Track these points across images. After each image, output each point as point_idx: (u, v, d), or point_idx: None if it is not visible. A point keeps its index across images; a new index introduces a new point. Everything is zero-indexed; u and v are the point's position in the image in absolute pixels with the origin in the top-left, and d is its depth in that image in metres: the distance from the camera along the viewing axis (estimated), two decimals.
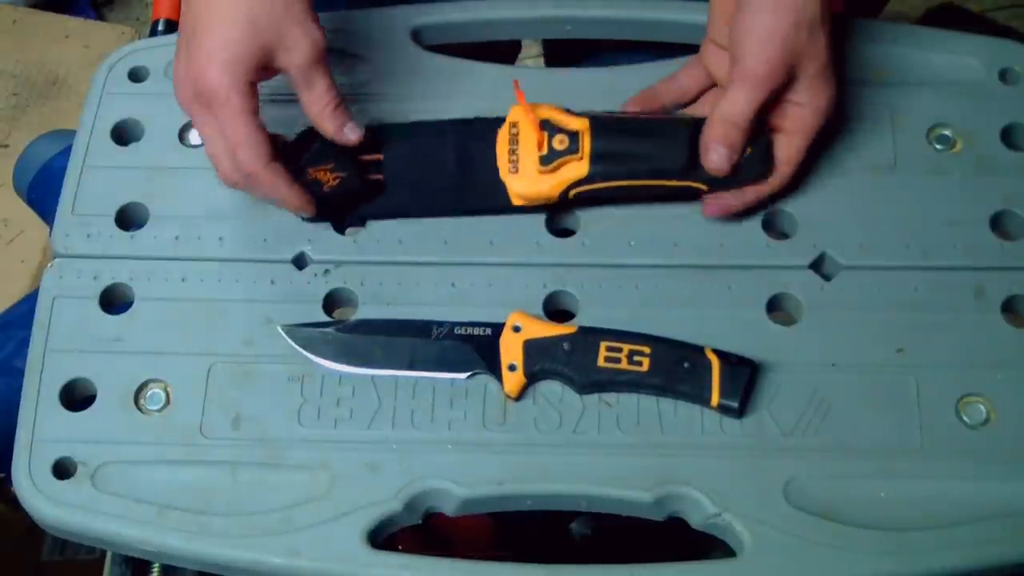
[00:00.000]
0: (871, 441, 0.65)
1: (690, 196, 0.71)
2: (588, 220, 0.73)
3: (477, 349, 0.68)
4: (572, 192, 0.71)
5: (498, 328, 0.68)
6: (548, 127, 0.70)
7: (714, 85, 0.74)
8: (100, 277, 0.72)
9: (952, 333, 0.68)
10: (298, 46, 0.67)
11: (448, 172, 0.72)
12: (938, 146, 0.75)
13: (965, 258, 0.71)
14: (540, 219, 0.73)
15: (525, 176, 0.70)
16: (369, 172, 0.72)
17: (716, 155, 0.68)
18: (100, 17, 1.82)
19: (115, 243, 0.73)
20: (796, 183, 0.72)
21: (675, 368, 0.66)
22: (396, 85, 0.78)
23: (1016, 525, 0.63)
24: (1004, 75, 0.77)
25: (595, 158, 0.69)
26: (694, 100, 0.75)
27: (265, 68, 0.67)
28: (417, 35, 0.80)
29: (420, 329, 0.69)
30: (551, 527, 0.90)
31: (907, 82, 0.77)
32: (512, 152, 0.70)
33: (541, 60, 1.40)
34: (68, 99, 1.62)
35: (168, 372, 0.69)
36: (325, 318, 0.71)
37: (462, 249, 0.72)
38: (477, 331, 0.68)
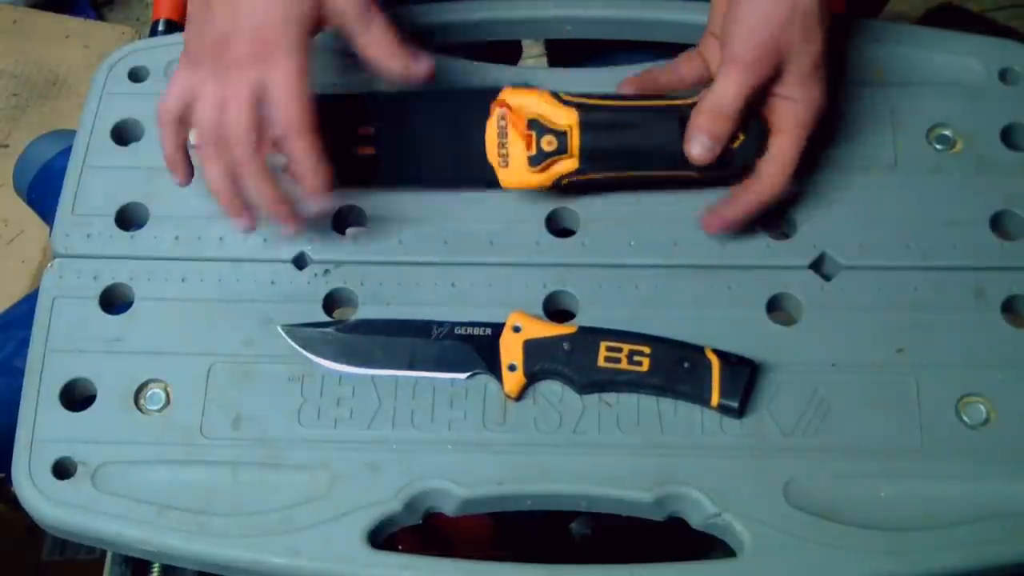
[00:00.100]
0: (871, 441, 0.65)
1: (687, 184, 0.71)
2: (588, 220, 0.73)
3: (477, 349, 0.68)
4: (564, 181, 0.70)
5: (498, 328, 0.68)
6: (536, 127, 0.69)
7: (711, 78, 0.73)
8: (100, 277, 0.72)
9: (952, 333, 0.68)
10: None
11: (440, 146, 0.72)
12: (938, 146, 0.75)
13: (965, 258, 0.71)
14: (540, 219, 0.73)
15: (514, 171, 0.70)
16: (360, 145, 0.72)
17: (699, 145, 0.67)
18: (100, 17, 1.82)
19: (115, 243, 0.73)
20: (796, 184, 0.72)
21: (675, 368, 0.66)
22: (398, 86, 0.78)
23: (1016, 525, 0.63)
24: (1004, 75, 0.77)
25: (585, 155, 0.69)
26: (689, 89, 0.73)
27: (318, 22, 0.66)
28: (419, 35, 0.80)
29: (420, 329, 0.69)
30: (551, 527, 0.90)
31: (907, 82, 0.77)
32: (501, 146, 0.70)
33: (542, 60, 1.40)
34: (68, 99, 1.62)
35: (168, 372, 0.69)
36: (325, 318, 0.71)
37: (462, 249, 0.72)
38: (477, 331, 0.68)
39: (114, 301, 0.72)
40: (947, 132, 0.75)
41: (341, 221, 0.74)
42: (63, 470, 0.66)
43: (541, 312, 0.70)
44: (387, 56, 0.68)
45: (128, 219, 0.75)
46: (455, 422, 0.67)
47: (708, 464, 0.65)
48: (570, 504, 0.66)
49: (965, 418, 0.66)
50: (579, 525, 0.92)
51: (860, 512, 0.63)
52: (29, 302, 0.75)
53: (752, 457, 0.65)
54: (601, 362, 0.66)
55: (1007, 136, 0.75)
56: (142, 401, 0.68)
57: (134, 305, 0.71)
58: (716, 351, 0.66)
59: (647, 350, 0.66)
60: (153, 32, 0.93)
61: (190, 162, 0.71)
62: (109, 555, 0.75)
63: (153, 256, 0.73)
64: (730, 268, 0.71)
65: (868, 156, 0.74)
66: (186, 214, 0.74)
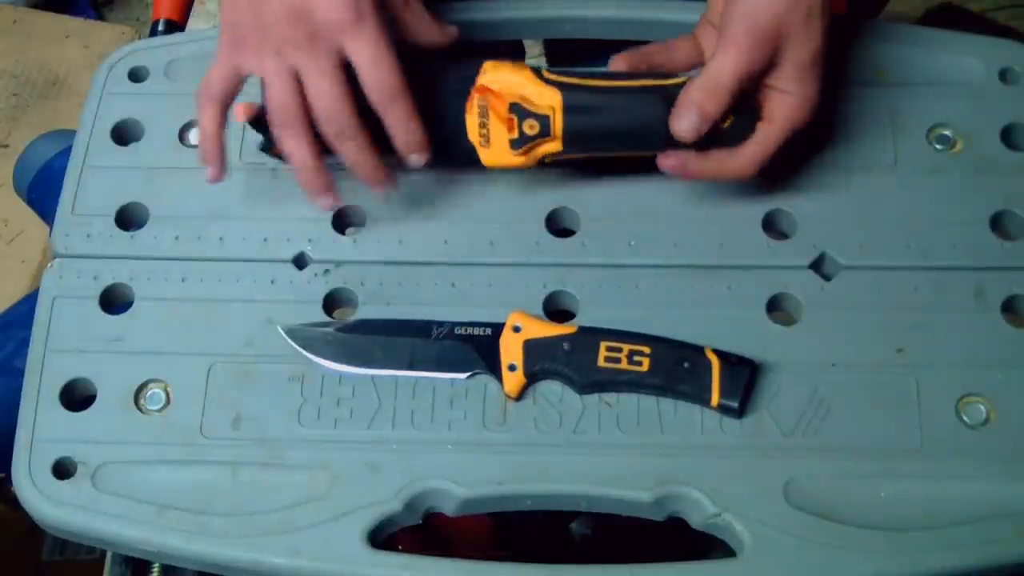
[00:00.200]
0: (871, 441, 0.65)
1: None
2: (588, 220, 0.73)
3: (477, 349, 0.68)
4: (547, 160, 0.70)
5: (498, 328, 0.68)
6: (517, 111, 0.68)
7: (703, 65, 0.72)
8: (100, 277, 0.72)
9: (952, 333, 0.68)
10: None
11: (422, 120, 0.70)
12: (938, 146, 0.75)
13: (965, 258, 0.71)
14: (540, 219, 0.73)
15: (496, 153, 0.69)
16: None
17: (685, 122, 0.66)
18: (100, 17, 1.82)
19: (115, 243, 0.73)
20: (787, 180, 0.73)
21: (675, 368, 0.66)
22: None
23: (1016, 525, 0.63)
24: (1004, 75, 0.77)
25: (568, 138, 0.68)
26: (681, 72, 0.72)
27: None
28: None
29: (420, 329, 0.69)
30: (551, 527, 0.90)
31: (907, 82, 0.77)
32: (483, 126, 0.69)
33: (542, 60, 1.40)
34: (68, 99, 1.62)
35: (168, 372, 0.69)
36: (325, 318, 0.71)
37: (462, 249, 0.72)
38: (477, 331, 0.68)
39: (114, 301, 0.72)
40: (947, 132, 0.75)
41: (341, 221, 0.74)
42: (63, 470, 0.66)
43: (541, 312, 0.70)
44: (427, 29, 0.71)
45: (128, 219, 0.75)
46: (455, 422, 0.67)
47: (708, 464, 0.65)
48: (570, 504, 0.66)
49: (965, 418, 0.66)
50: (579, 525, 0.91)
51: (860, 512, 0.63)
52: (29, 302, 0.75)
53: (752, 457, 0.65)
54: (601, 362, 0.66)
55: (1007, 136, 0.75)
56: (142, 401, 0.68)
57: (134, 305, 0.71)
58: (716, 351, 0.66)
59: (647, 350, 0.66)
60: (153, 32, 0.93)
61: (224, 151, 0.70)
62: (109, 555, 0.75)
63: (153, 256, 0.73)
64: (730, 268, 0.71)
65: (868, 156, 0.74)
66: (186, 214, 0.74)
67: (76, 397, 0.69)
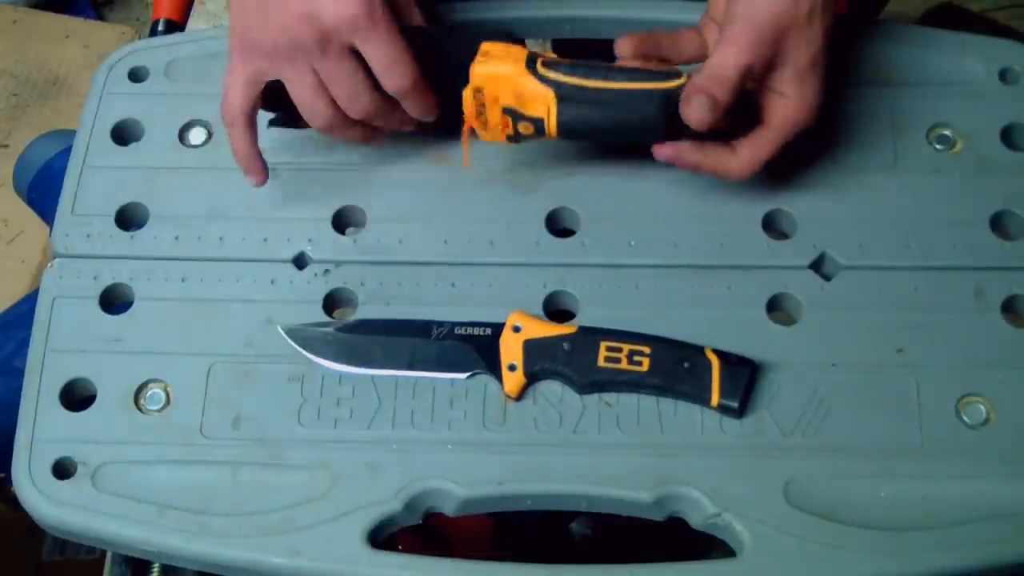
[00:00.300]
0: (871, 441, 0.65)
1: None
2: (588, 220, 0.73)
3: (477, 349, 0.68)
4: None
5: (498, 328, 0.68)
6: (512, 113, 0.67)
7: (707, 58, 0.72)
8: (100, 277, 0.72)
9: (952, 333, 0.68)
10: None
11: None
12: (938, 146, 0.75)
13: (965, 258, 0.71)
14: (540, 219, 0.73)
15: (493, 136, 0.69)
16: None
17: (700, 106, 0.64)
18: (100, 17, 1.82)
19: (115, 243, 0.73)
20: (787, 180, 0.73)
21: (675, 368, 0.66)
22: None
23: (1016, 525, 0.63)
24: (1004, 75, 0.77)
25: (563, 135, 0.68)
26: (685, 62, 0.72)
27: None
28: None
29: (420, 329, 0.69)
30: (551, 527, 0.90)
31: (907, 82, 0.77)
32: (480, 114, 0.68)
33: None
34: (68, 99, 1.62)
35: (168, 372, 0.69)
36: (325, 318, 0.71)
37: (462, 249, 0.72)
38: (477, 331, 0.68)
39: (114, 301, 0.72)
40: (947, 132, 0.75)
41: (341, 221, 0.74)
42: (63, 470, 0.66)
43: (541, 312, 0.70)
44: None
45: (128, 219, 0.75)
46: (455, 422, 0.67)
47: (708, 464, 0.65)
48: (570, 504, 0.66)
49: (965, 418, 0.66)
50: (579, 525, 0.91)
51: (860, 512, 0.63)
52: (29, 302, 0.75)
53: (752, 457, 0.65)
54: (601, 362, 0.66)
55: (1007, 136, 0.75)
56: (142, 401, 0.68)
57: (134, 305, 0.71)
58: (716, 351, 0.66)
59: (647, 350, 0.66)
60: (153, 32, 0.93)
61: (262, 158, 0.71)
62: (109, 555, 0.75)
63: (153, 256, 0.73)
64: (730, 268, 0.71)
65: (868, 156, 0.74)
66: (186, 214, 0.74)
67: (76, 397, 0.69)
